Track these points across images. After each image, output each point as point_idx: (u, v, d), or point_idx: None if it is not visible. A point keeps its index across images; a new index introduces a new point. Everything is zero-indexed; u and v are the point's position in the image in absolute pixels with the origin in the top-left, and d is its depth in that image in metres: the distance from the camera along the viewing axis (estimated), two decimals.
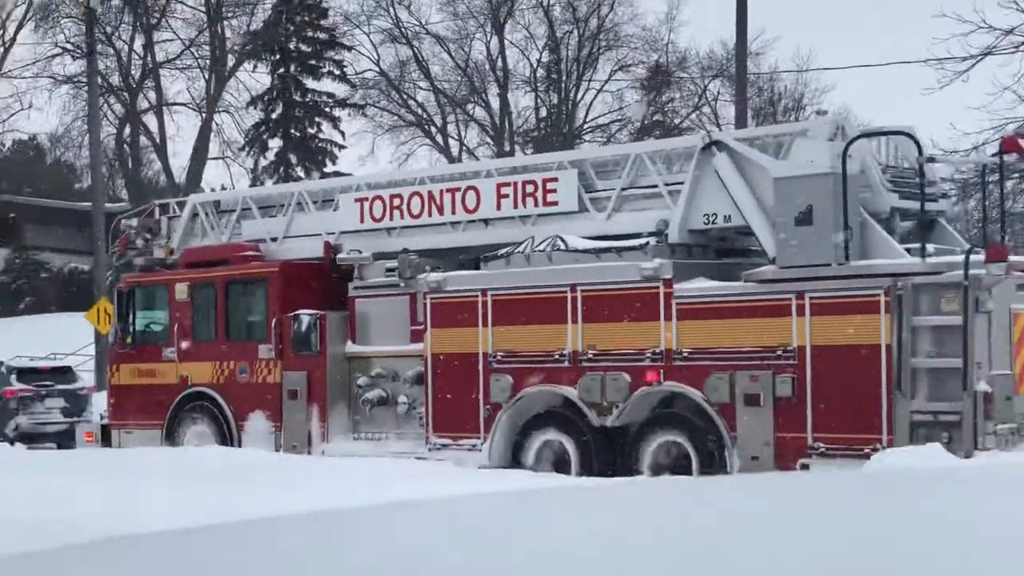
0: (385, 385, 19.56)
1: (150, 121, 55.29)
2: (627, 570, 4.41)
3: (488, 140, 53.98)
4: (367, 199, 20.75)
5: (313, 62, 55.59)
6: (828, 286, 15.75)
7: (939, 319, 15.01)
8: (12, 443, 25.26)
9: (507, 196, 19.09)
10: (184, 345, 21.70)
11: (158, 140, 55.12)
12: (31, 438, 27.02)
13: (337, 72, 55.94)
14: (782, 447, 15.86)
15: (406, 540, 5.61)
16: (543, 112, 54.60)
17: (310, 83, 55.88)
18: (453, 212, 19.65)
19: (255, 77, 56.18)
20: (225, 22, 54.42)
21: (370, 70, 55.21)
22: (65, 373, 29.57)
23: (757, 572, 4.24)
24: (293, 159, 55.26)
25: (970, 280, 14.73)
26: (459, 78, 54.06)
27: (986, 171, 18.39)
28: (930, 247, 15.97)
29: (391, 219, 20.29)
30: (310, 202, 21.50)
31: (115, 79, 52.89)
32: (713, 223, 17.17)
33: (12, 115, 54.09)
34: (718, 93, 53.84)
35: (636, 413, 17.00)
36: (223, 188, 46.43)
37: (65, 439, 26.01)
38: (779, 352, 15.95)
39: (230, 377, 21.05)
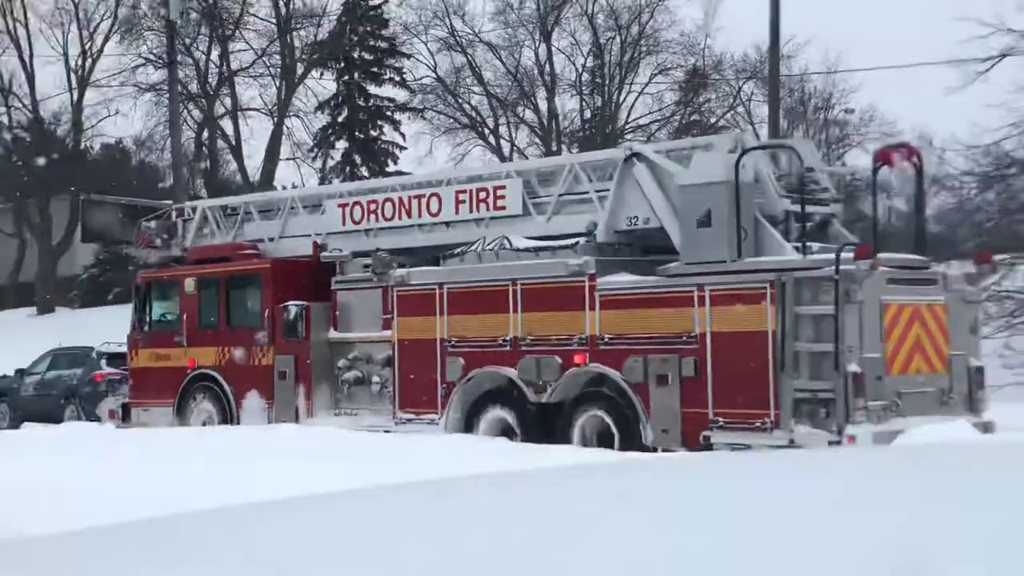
0: (361, 367, 20.16)
1: (226, 125, 55.40)
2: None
3: (537, 140, 53.95)
4: (348, 204, 21.35)
5: (375, 69, 55.37)
6: (723, 280, 16.23)
7: (816, 308, 15.48)
8: (102, 423, 25.90)
9: (464, 202, 19.77)
10: (191, 332, 22.27)
11: (234, 143, 55.22)
12: None
13: (397, 78, 55.64)
14: (687, 421, 16.40)
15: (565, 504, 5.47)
16: (588, 114, 54.12)
17: (372, 89, 55.65)
18: (420, 216, 20.31)
19: (322, 84, 56.04)
20: (294, 33, 54.43)
21: (428, 76, 54.80)
22: None
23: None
24: (357, 160, 55.15)
25: (841, 275, 15.19)
26: (510, 83, 53.69)
27: (876, 178, 18.35)
28: (816, 245, 16.27)
29: (368, 222, 20.89)
30: (301, 207, 22.09)
31: (194, 87, 53.01)
32: (635, 225, 17.75)
33: (100, 120, 54.64)
34: (751, 94, 53.07)
35: (567, 391, 17.58)
36: (283, 188, 47.02)
37: None
38: (684, 338, 16.47)
39: (230, 360, 21.63)
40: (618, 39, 52.60)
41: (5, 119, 53.91)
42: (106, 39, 52.66)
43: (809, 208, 17.04)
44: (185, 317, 22.44)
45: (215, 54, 54.00)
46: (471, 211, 19.68)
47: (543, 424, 17.62)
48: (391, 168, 53.27)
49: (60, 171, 51.51)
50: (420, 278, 19.24)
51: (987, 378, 22.16)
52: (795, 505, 4.85)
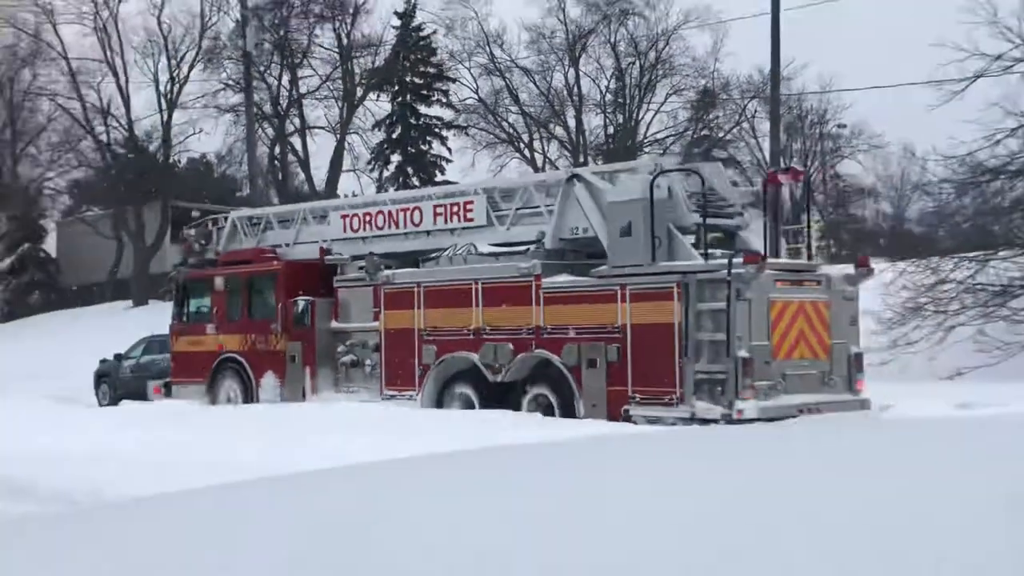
0: (357, 352, 20.69)
1: (295, 142, 55.00)
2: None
3: (566, 153, 53.40)
4: (348, 215, 21.84)
5: (425, 92, 55.28)
6: (640, 281, 16.79)
7: (714, 305, 16.08)
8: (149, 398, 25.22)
9: (440, 214, 20.28)
10: (220, 322, 22.75)
11: (302, 157, 54.95)
12: None
13: (444, 100, 55.48)
14: (611, 397, 16.96)
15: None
16: (611, 130, 53.71)
17: (423, 109, 55.53)
18: (405, 225, 20.82)
19: (378, 105, 55.69)
20: (354, 61, 53.84)
21: (470, 98, 54.41)
22: None
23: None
24: (409, 171, 54.97)
25: (732, 277, 15.81)
26: (542, 103, 53.31)
27: (777, 192, 18.57)
28: (719, 252, 16.85)
29: (363, 230, 21.39)
30: (311, 217, 22.58)
31: (267, 108, 52.91)
32: (576, 234, 18.27)
33: (186, 138, 54.37)
34: (755, 111, 52.37)
35: (518, 372, 18.19)
36: (344, 196, 46.02)
37: None
38: (609, 328, 17.04)
39: (251, 346, 22.08)
40: (637, 64, 52.15)
41: (104, 137, 53.77)
42: (191, 67, 52.52)
43: (717, 221, 17.62)
44: (215, 310, 22.92)
45: (285, 79, 53.66)
46: (446, 222, 20.15)
47: (499, 400, 18.08)
48: (439, 178, 52.94)
49: (152, 182, 51.53)
50: (402, 278, 19.81)
51: (954, 361, 22.62)
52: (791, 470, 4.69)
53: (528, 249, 18.69)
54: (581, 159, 52.67)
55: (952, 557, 2.93)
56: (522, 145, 54.58)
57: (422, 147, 55.91)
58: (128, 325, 38.86)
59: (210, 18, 52.15)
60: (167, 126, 53.61)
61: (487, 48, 52.97)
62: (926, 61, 26.92)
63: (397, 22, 54.53)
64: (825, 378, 17.26)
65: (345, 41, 53.58)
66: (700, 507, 3.74)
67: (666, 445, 6.57)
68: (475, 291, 18.84)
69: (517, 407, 17.98)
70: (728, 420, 15.86)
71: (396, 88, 55.06)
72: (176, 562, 3.33)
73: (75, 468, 12.28)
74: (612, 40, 52.51)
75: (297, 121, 55.06)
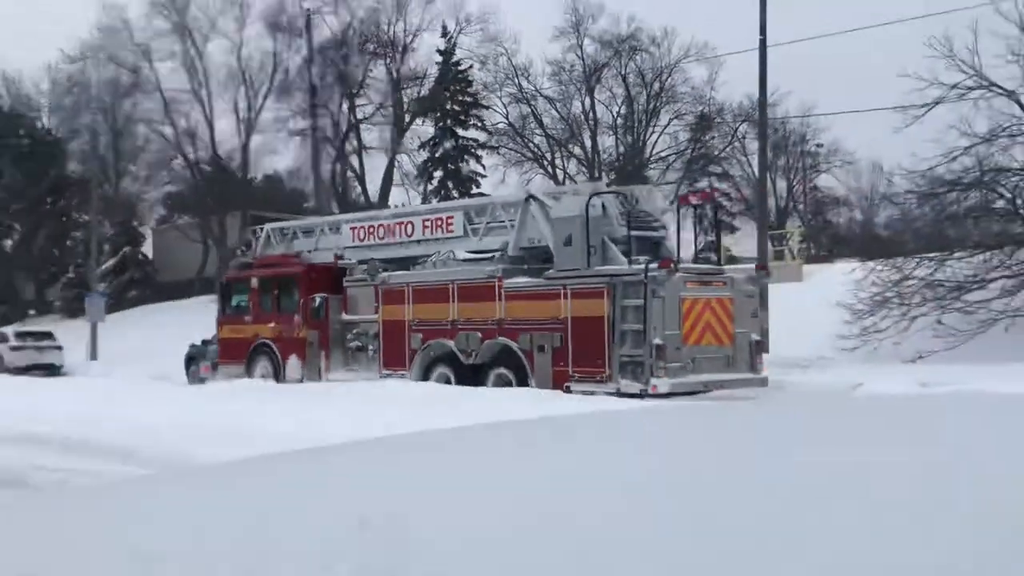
0: (362, 339, 21.22)
1: (354, 160, 54.92)
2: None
3: (583, 170, 53.14)
4: (356, 227, 22.42)
5: (462, 117, 55.05)
6: (578, 282, 17.62)
7: (635, 301, 16.90)
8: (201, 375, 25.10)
9: (427, 227, 20.96)
10: (255, 315, 23.17)
11: (359, 173, 54.83)
12: None
13: (479, 124, 55.44)
14: (556, 376, 17.68)
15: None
16: (621, 149, 53.72)
17: (461, 132, 55.13)
18: (400, 236, 21.42)
19: (424, 128, 55.67)
20: (403, 91, 53.99)
21: (501, 122, 53.42)
22: None
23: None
24: (450, 185, 54.61)
25: (648, 279, 16.76)
26: (563, 126, 53.28)
27: (680, 209, 19.32)
28: (643, 258, 17.29)
29: (368, 240, 21.93)
30: (328, 229, 23.08)
31: (329, 132, 52.63)
32: (532, 243, 19.05)
33: (262, 157, 54.58)
34: (745, 133, 52.79)
35: (485, 356, 18.90)
36: (395, 206, 44.79)
37: None
38: (555, 320, 17.80)
39: (280, 334, 22.47)
40: (644, 93, 52.15)
41: (192, 157, 54.14)
42: (265, 97, 52.49)
43: (642, 233, 18.30)
44: (251, 304, 23.39)
45: (345, 108, 53.44)
46: (432, 233, 20.79)
47: (470, 378, 18.69)
48: (474, 191, 52.76)
49: (232, 195, 51.85)
50: (396, 279, 20.54)
51: (916, 346, 22.80)
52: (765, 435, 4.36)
53: (494, 256, 19.44)
54: (596, 174, 52.20)
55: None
56: (546, 163, 54.57)
57: (460, 165, 55.74)
58: (212, 316, 37.93)
59: (282, 56, 52.49)
60: (245, 147, 53.91)
61: (515, 80, 52.96)
62: (892, 89, 27.05)
63: (439, 58, 54.64)
64: (729, 360, 17.98)
65: (395, 75, 53.67)
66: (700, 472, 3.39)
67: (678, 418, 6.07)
68: (452, 290, 19.48)
69: (484, 383, 18.56)
70: (645, 394, 16.51)
71: (438, 114, 54.82)
72: (280, 507, 3.19)
73: (170, 436, 12.16)
74: (623, 72, 52.55)
75: (355, 143, 55.14)
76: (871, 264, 26.45)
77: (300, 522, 3.03)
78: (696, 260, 19.11)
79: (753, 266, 20.01)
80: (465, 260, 19.92)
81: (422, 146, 56.16)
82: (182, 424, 13.28)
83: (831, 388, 18.41)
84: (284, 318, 22.61)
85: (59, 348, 36.26)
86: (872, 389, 16.44)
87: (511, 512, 2.72)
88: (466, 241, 20.30)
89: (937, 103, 25.51)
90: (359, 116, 54.90)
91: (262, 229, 24.94)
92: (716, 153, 54.81)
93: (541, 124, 54.01)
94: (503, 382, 18.57)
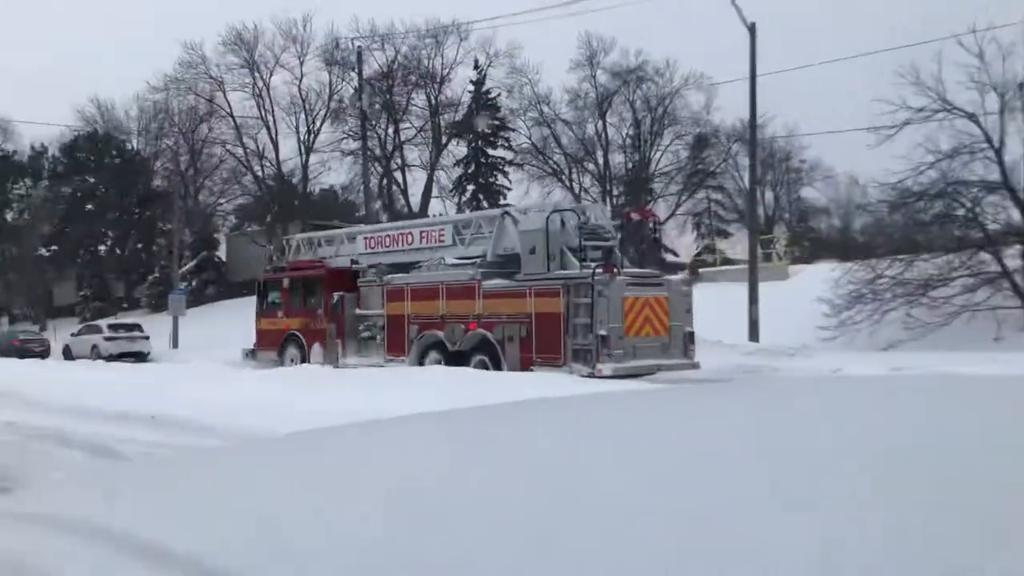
0: (371, 330, 21.57)
1: (398, 176, 55.53)
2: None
3: (597, 183, 53.55)
4: (368, 237, 22.84)
5: (492, 139, 55.42)
6: (541, 284, 18.22)
7: (584, 300, 17.48)
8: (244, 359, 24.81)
9: (424, 236, 21.46)
10: (287, 310, 23.63)
11: (402, 187, 55.36)
12: None
13: (506, 144, 55.86)
14: (523, 361, 18.19)
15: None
16: (630, 165, 53.80)
17: (490, 151, 55.76)
18: (402, 244, 21.88)
19: (458, 148, 56.21)
20: (440, 116, 54.39)
21: (525, 143, 54.78)
22: None
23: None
24: (480, 197, 54.85)
25: (594, 282, 17.39)
26: (578, 146, 53.45)
27: (629, 223, 19.84)
28: (594, 264, 17.76)
29: (377, 248, 22.37)
30: (346, 239, 23.42)
31: (377, 151, 53.00)
32: (506, 252, 19.47)
33: (319, 174, 55.19)
34: (737, 151, 52.89)
35: (467, 344, 19.32)
36: (433, 216, 45.51)
37: None
38: (522, 315, 18.36)
39: (307, 326, 22.92)
40: (650, 116, 52.43)
41: (260, 173, 54.85)
42: (322, 122, 53.55)
43: (596, 243, 19.08)
44: (283, 301, 23.81)
45: (390, 130, 54.22)
46: (427, 242, 21.26)
47: (456, 363, 18.88)
48: (502, 202, 52.68)
49: (294, 206, 52.57)
50: (398, 281, 21.06)
51: (888, 336, 22.85)
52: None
53: (476, 262, 20.04)
54: (608, 188, 53.41)
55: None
56: (564, 178, 54.73)
57: (490, 180, 56.07)
58: None
59: (336, 86, 53.33)
60: (305, 165, 54.61)
61: (537, 106, 53.25)
62: (866, 112, 28.92)
63: (472, 87, 55.17)
64: (665, 349, 18.70)
65: (434, 102, 54.21)
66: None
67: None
68: (441, 290, 20.01)
69: (467, 366, 18.78)
70: (591, 376, 17.03)
71: (471, 136, 55.15)
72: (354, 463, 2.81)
73: (244, 412, 11.53)
74: (631, 99, 52.90)
75: (399, 161, 55.66)
76: (848, 264, 26.87)
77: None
78: (642, 266, 19.85)
79: (687, 272, 20.65)
80: (452, 265, 20.22)
81: (457, 164, 56.72)
82: (254, 402, 12.44)
83: (816, 372, 18.08)
84: (310, 312, 23.02)
85: (146, 338, 36.91)
86: (849, 373, 16.36)
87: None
88: (454, 249, 20.68)
89: (906, 124, 25.82)
90: (402, 138, 55.59)
91: (293, 239, 25.39)
92: (712, 169, 55.21)
93: (560, 144, 54.27)
94: (482, 366, 18.74)
